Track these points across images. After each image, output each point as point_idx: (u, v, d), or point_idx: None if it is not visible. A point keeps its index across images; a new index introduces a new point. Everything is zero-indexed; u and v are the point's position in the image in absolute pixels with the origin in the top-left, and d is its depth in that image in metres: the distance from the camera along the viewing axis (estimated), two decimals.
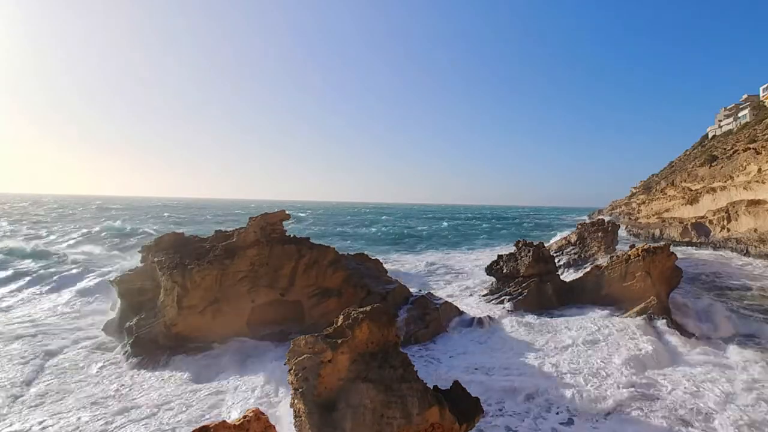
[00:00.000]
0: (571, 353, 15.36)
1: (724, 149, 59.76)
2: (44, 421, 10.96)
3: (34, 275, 27.46)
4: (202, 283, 15.76)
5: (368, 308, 8.14)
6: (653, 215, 67.58)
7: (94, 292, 23.44)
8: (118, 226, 58.03)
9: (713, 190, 51.33)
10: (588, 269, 23.71)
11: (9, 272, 28.22)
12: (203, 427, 5.28)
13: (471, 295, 24.74)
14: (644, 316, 18.47)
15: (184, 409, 11.66)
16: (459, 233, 77.92)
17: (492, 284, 24.43)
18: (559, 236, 51.14)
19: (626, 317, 18.89)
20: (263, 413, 6.00)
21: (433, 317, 18.09)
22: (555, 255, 28.08)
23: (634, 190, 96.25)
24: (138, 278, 19.01)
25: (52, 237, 48.99)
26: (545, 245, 25.41)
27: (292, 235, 18.34)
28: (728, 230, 45.04)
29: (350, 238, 63.91)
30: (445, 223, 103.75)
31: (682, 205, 58.84)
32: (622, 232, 51.98)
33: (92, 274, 27.31)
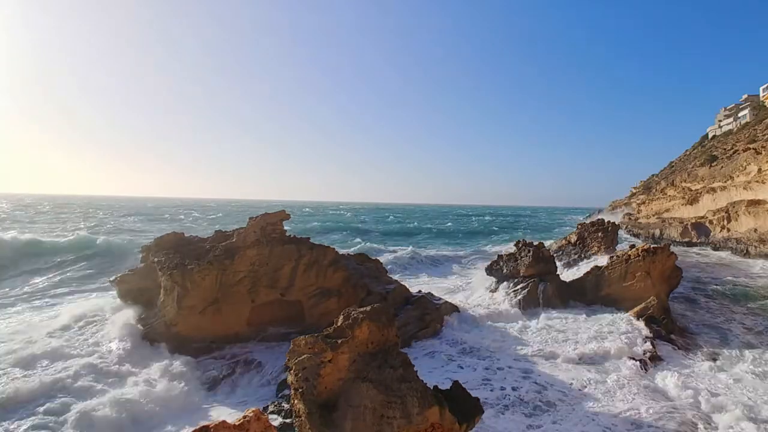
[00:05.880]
0: (569, 353, 15.36)
1: (724, 149, 59.81)
2: None
3: None
4: (202, 283, 15.75)
5: (368, 308, 8.14)
6: (653, 215, 67.63)
7: None
8: None
9: (713, 190, 51.38)
10: (588, 269, 23.72)
11: None
12: (203, 427, 5.28)
13: (471, 294, 24.75)
14: (644, 316, 18.49)
15: (184, 408, 11.67)
16: (459, 233, 77.92)
17: (492, 284, 24.43)
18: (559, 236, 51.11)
19: (626, 317, 18.90)
20: (263, 413, 6.00)
21: (433, 317, 18.10)
22: (555, 255, 28.06)
23: (634, 190, 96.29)
24: (138, 278, 19.01)
25: None
26: (545, 245, 25.42)
27: (291, 235, 18.34)
28: (728, 230, 45.07)
29: None
30: (450, 223, 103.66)
31: (682, 205, 58.89)
32: (622, 232, 51.94)
33: None
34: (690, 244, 48.77)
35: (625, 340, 16.09)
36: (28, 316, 19.32)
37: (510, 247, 29.61)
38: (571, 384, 13.00)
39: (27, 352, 13.97)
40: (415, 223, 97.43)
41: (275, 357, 14.41)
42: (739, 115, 77.11)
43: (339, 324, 7.99)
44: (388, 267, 24.95)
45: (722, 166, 51.91)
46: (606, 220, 34.79)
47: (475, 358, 15.26)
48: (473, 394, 8.25)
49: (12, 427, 10.32)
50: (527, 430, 10.61)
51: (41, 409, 10.92)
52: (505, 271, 23.78)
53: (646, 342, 16.04)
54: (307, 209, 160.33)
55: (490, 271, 24.77)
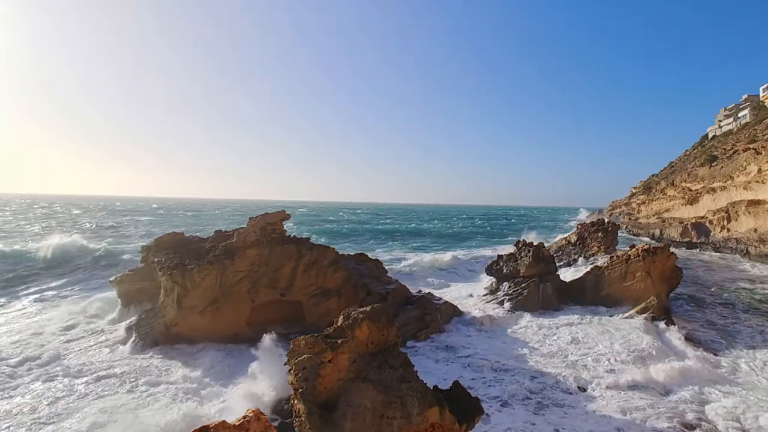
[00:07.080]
0: (571, 352, 15.36)
1: (724, 149, 59.77)
2: None
3: None
4: (202, 283, 15.75)
5: (368, 308, 8.14)
6: (653, 215, 67.63)
7: None
8: None
9: (713, 190, 51.34)
10: (588, 269, 23.71)
11: None
12: (203, 427, 5.27)
13: (471, 295, 24.75)
14: (644, 315, 18.49)
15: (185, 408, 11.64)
16: (458, 233, 77.88)
17: (492, 284, 24.43)
18: (559, 236, 51.12)
19: (626, 317, 18.90)
20: (263, 413, 5.99)
21: (433, 317, 18.09)
22: (555, 255, 28.06)
23: (634, 190, 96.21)
24: (138, 278, 19.02)
25: None
26: (545, 245, 25.42)
27: (291, 235, 18.34)
28: (728, 230, 45.05)
29: None
30: (449, 223, 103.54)
31: (682, 205, 58.86)
32: (622, 232, 51.93)
33: None
34: (690, 245, 48.77)
35: (627, 340, 16.09)
36: (24, 316, 19.32)
37: (510, 247, 29.59)
38: (574, 383, 12.99)
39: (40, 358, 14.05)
40: (415, 224, 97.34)
41: (275, 357, 14.37)
42: (739, 115, 77.05)
43: (339, 324, 7.99)
44: (389, 268, 24.92)
45: (722, 166, 51.87)
46: (606, 220, 34.82)
47: (475, 357, 15.24)
48: (473, 393, 8.26)
49: None
50: (530, 428, 10.60)
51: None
52: (505, 271, 23.77)
53: (643, 341, 16.03)
54: (302, 209, 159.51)
55: (490, 271, 24.76)
